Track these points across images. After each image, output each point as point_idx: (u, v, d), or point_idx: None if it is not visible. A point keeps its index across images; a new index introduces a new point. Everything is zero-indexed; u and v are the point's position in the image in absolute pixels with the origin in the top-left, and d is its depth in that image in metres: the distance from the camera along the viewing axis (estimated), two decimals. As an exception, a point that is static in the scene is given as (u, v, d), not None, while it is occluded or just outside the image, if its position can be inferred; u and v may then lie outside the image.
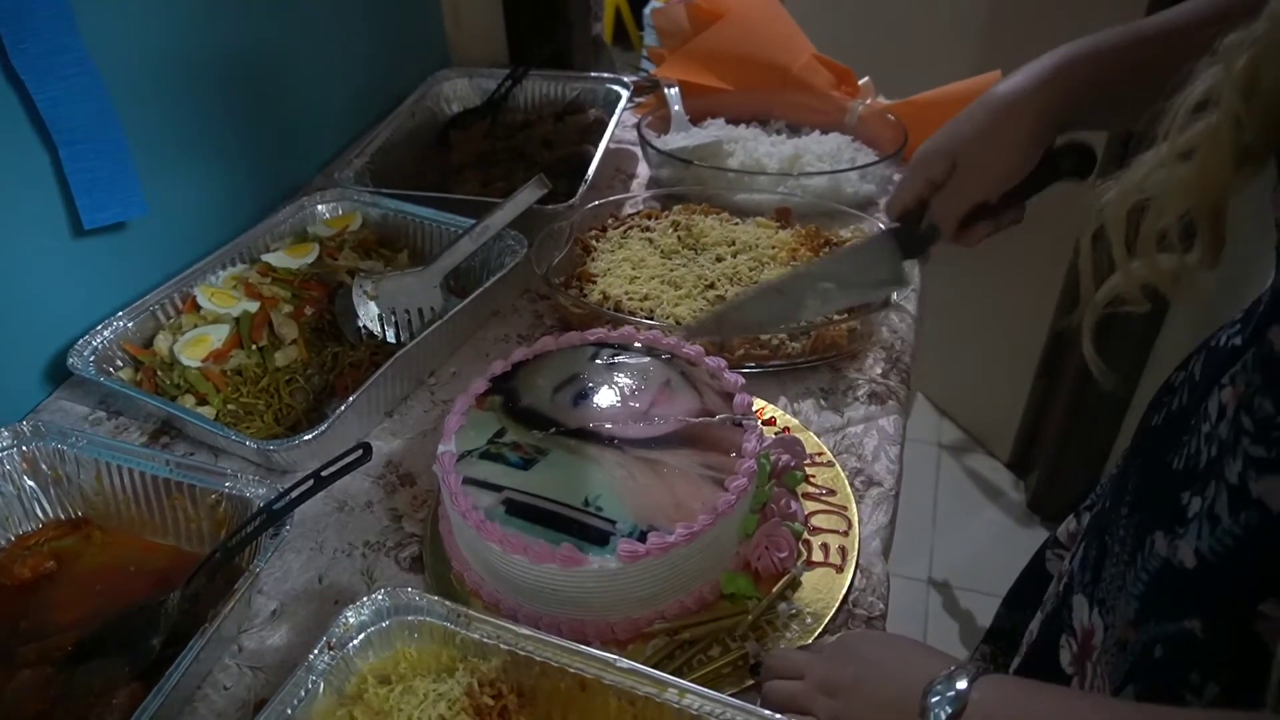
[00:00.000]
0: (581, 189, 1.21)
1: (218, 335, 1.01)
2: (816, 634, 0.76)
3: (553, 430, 0.82)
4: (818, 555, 0.82)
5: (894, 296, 1.00)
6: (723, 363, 0.88)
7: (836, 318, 1.03)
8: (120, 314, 1.02)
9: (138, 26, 1.05)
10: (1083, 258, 0.61)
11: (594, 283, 1.09)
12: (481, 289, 1.05)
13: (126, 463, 0.85)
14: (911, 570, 2.09)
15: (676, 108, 1.44)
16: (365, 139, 1.39)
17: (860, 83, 1.46)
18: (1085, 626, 0.70)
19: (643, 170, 1.44)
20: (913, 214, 0.82)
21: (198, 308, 1.05)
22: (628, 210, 1.27)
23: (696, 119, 1.45)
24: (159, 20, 1.08)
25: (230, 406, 0.97)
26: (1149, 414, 0.70)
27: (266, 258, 1.12)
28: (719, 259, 1.12)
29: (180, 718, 0.72)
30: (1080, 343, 0.62)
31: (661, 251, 1.14)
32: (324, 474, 0.79)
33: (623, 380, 0.86)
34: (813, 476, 0.89)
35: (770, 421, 0.95)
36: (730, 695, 0.63)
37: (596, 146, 1.31)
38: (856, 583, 0.81)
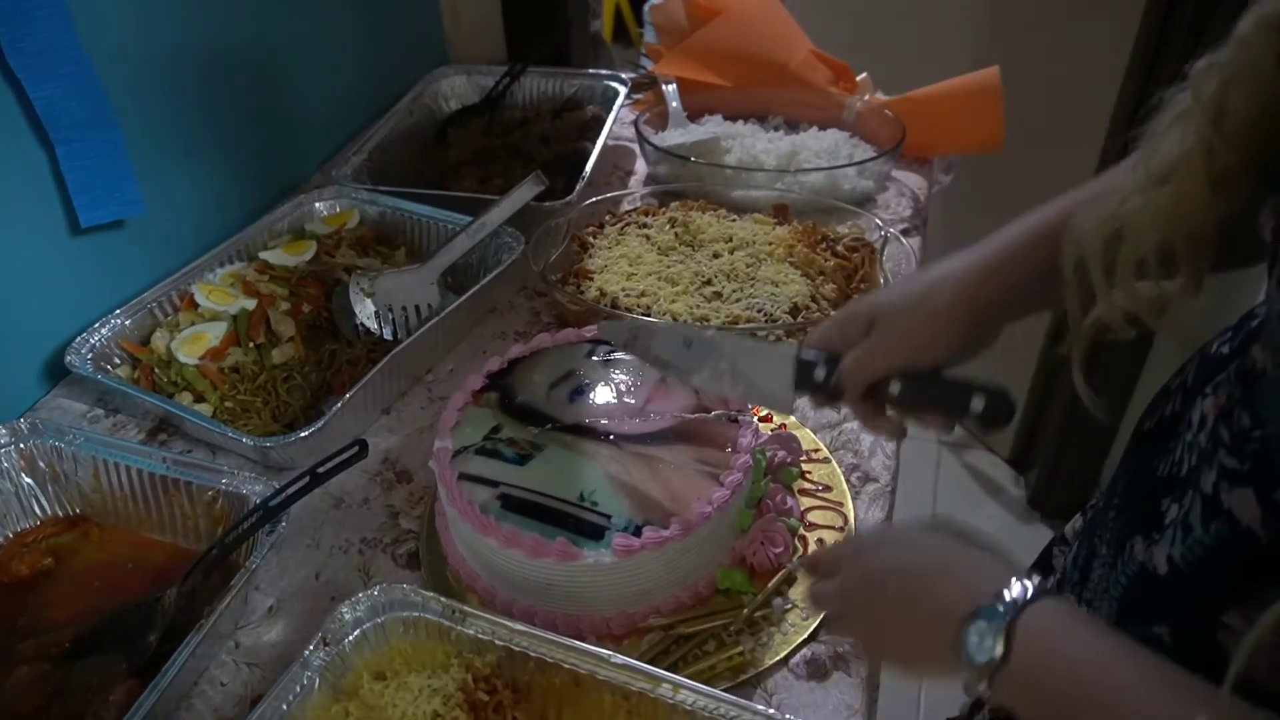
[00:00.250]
0: (579, 186, 1.21)
1: (215, 333, 1.01)
2: (810, 630, 0.76)
3: (549, 426, 0.82)
4: (813, 550, 0.82)
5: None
6: (719, 359, 0.87)
7: (834, 314, 1.03)
8: (118, 312, 1.02)
9: (135, 24, 1.05)
10: (1068, 288, 0.60)
11: (591, 279, 1.09)
12: (478, 286, 1.05)
13: (124, 460, 0.85)
14: (911, 566, 2.08)
15: (674, 104, 1.43)
16: (363, 136, 1.39)
17: (858, 79, 1.46)
18: None
19: (640, 167, 1.44)
20: (830, 358, 0.71)
21: (195, 305, 1.05)
22: (625, 207, 1.27)
23: (694, 115, 1.45)
24: (156, 18, 1.08)
25: (227, 404, 0.97)
26: (1145, 417, 0.70)
27: (264, 255, 1.12)
28: (716, 255, 1.12)
29: (177, 714, 0.72)
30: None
31: (659, 248, 1.14)
32: (320, 471, 0.79)
33: (619, 376, 0.87)
34: (809, 472, 0.89)
35: (766, 418, 0.95)
36: (724, 690, 0.63)
37: (594, 143, 1.31)
38: (852, 578, 0.80)
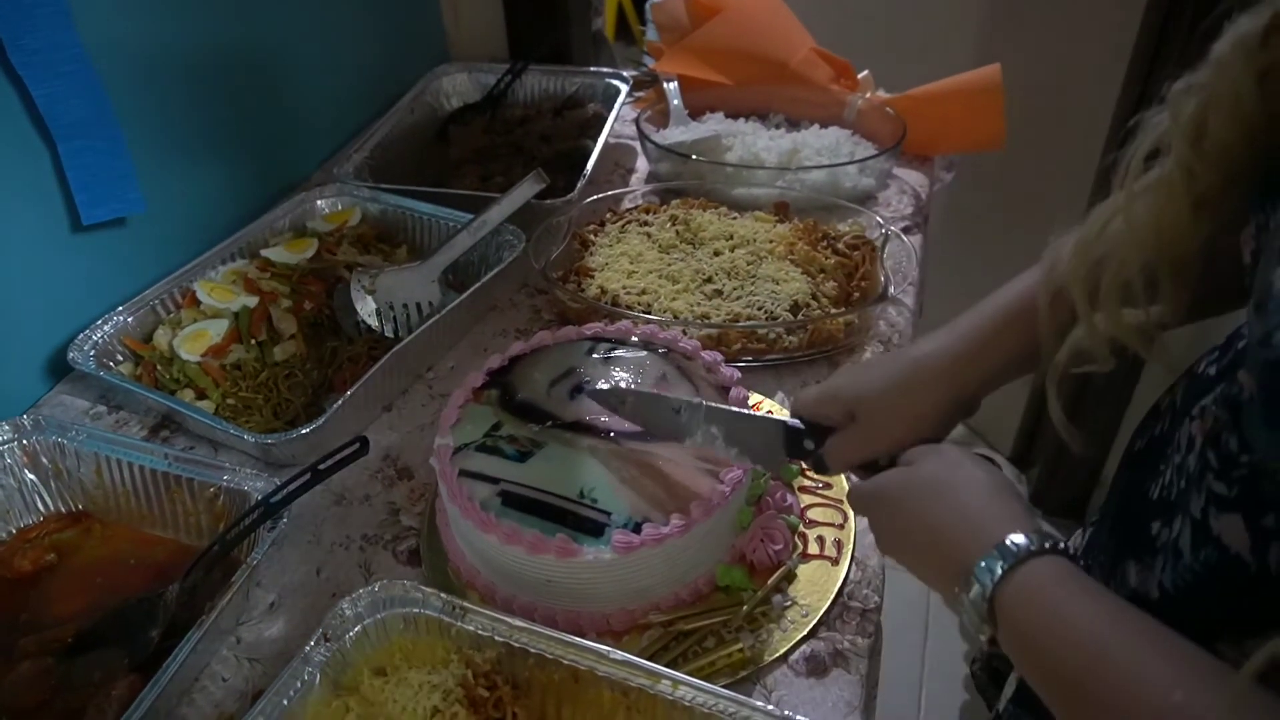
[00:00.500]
0: (580, 184, 1.21)
1: (217, 330, 1.01)
2: (810, 627, 0.76)
3: (549, 423, 0.82)
4: (813, 548, 0.82)
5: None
6: (719, 356, 0.88)
7: (834, 311, 1.04)
8: (120, 309, 1.03)
9: (135, 22, 1.05)
10: (1040, 319, 0.60)
11: (592, 277, 1.10)
12: (479, 284, 1.05)
13: (126, 456, 0.85)
14: (912, 564, 2.08)
15: (675, 102, 1.44)
16: (364, 134, 1.39)
17: (859, 76, 1.46)
18: None
19: (641, 165, 1.44)
20: (816, 428, 0.72)
21: (197, 303, 1.05)
22: (626, 205, 1.27)
23: (695, 113, 1.45)
24: (157, 16, 1.08)
25: (229, 401, 0.98)
26: (1136, 436, 0.69)
27: (265, 253, 1.12)
28: (717, 253, 1.12)
29: (178, 709, 0.72)
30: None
31: (659, 246, 1.14)
32: (321, 467, 0.79)
33: (619, 374, 0.87)
34: (809, 469, 0.90)
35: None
36: (723, 687, 0.63)
37: (595, 141, 1.31)
38: (852, 575, 0.81)
